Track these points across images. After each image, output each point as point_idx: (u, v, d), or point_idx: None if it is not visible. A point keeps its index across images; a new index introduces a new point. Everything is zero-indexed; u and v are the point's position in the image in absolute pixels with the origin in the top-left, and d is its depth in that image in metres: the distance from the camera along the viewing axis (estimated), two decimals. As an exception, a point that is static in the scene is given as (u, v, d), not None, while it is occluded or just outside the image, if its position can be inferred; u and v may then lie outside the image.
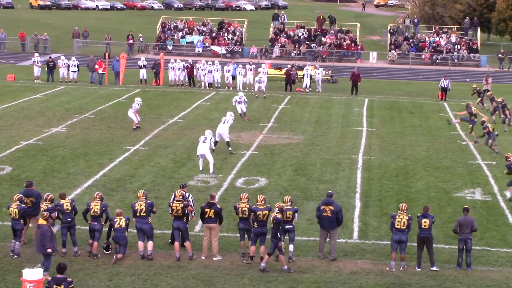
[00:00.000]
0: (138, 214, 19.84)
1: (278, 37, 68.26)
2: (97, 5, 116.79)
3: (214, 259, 19.84)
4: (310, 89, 48.94)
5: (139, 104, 35.29)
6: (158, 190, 25.31)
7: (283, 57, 65.36)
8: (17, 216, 19.47)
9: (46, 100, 42.23)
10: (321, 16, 71.87)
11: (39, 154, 30.06)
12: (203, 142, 27.91)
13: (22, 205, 19.79)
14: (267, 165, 29.44)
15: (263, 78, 46.18)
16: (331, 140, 34.36)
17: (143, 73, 50.35)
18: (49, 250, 18.28)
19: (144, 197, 20.04)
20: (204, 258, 19.85)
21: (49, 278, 15.94)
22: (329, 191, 20.86)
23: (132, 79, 50.60)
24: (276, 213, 19.30)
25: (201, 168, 28.25)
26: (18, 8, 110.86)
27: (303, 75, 49.90)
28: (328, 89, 50.61)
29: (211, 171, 27.82)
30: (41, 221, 18.52)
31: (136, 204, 19.91)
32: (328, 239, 20.19)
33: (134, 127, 34.89)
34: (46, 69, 49.85)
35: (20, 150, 30.54)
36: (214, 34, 68.63)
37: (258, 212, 19.63)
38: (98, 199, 20.02)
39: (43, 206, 19.81)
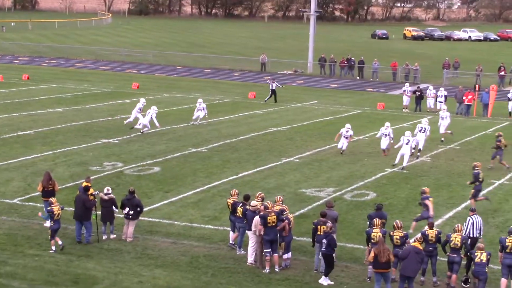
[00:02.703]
0: (508, 250, 19.17)
1: None
2: (469, 36, 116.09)
3: None
4: None
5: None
6: (522, 227, 24.28)
7: None
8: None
9: (413, 130, 42.56)
10: None
11: (402, 182, 30.44)
12: (406, 144, 32.26)
13: (384, 229, 20.21)
14: None
15: None
16: None
17: (511, 105, 49.01)
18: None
19: None
20: None
21: None
22: None
23: (501, 111, 49.35)
24: None
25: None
26: (392, 39, 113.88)
27: None
28: None
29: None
30: (417, 245, 18.81)
31: (507, 240, 19.27)
32: None
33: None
34: (415, 98, 50.51)
35: (385, 177, 31.18)
36: None
37: None
38: (460, 232, 19.76)
39: (397, 234, 19.92)
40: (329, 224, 20.03)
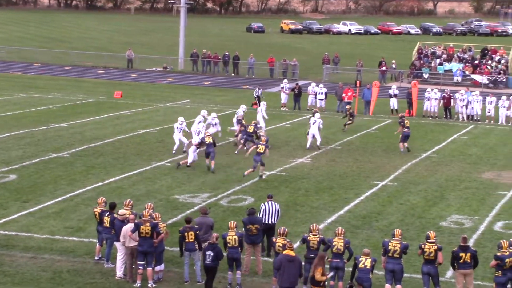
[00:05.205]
0: (390, 255, 19.71)
1: (549, 65, 65.62)
2: (349, 30, 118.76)
3: (465, 310, 19.32)
4: None
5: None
6: (407, 230, 25.04)
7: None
8: (236, 244, 20.19)
9: (292, 129, 43.32)
10: None
11: (282, 185, 30.85)
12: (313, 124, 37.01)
13: (241, 232, 20.62)
14: (531, 209, 28.28)
15: None
16: None
17: (393, 102, 50.41)
18: None
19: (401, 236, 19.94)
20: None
21: None
22: None
23: (383, 108, 50.69)
24: None
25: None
26: (269, 33, 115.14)
27: None
28: None
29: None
30: (289, 252, 18.93)
31: (390, 244, 19.77)
32: None
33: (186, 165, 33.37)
34: (293, 96, 51.18)
35: (263, 180, 31.49)
36: (476, 62, 67.24)
37: None
38: (342, 236, 20.20)
39: (279, 241, 20.19)
40: (215, 234, 20.16)
